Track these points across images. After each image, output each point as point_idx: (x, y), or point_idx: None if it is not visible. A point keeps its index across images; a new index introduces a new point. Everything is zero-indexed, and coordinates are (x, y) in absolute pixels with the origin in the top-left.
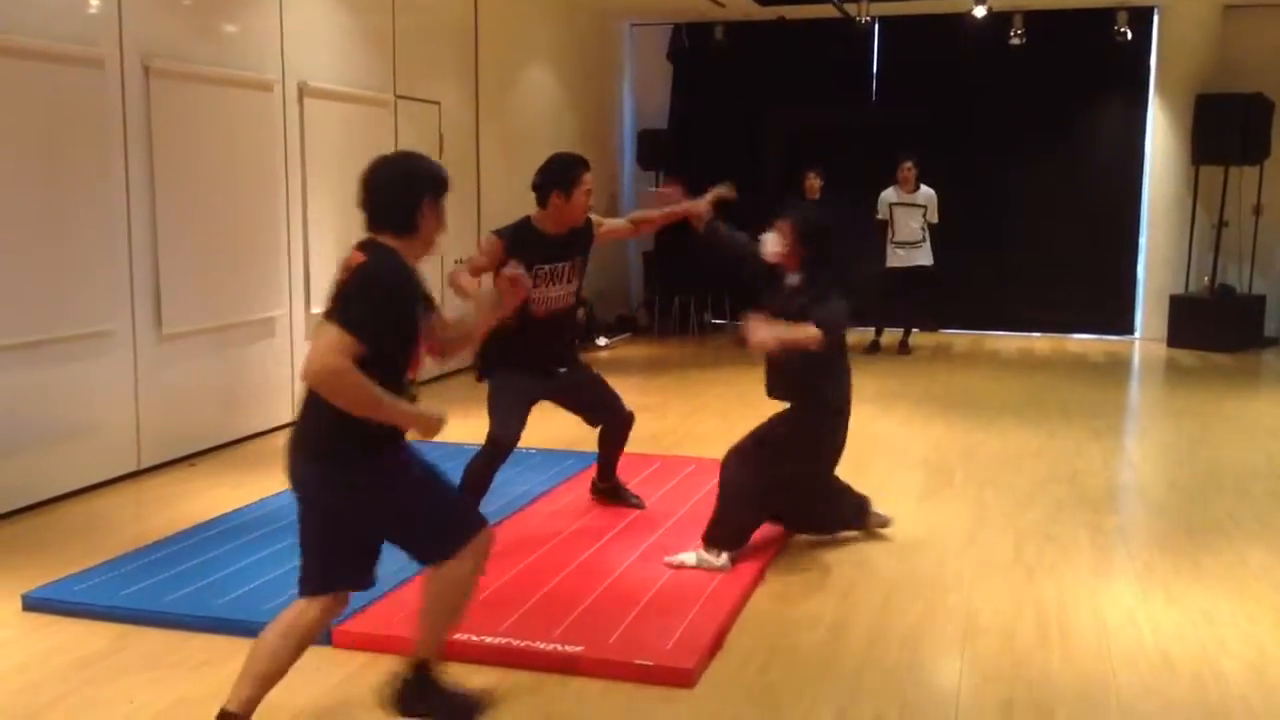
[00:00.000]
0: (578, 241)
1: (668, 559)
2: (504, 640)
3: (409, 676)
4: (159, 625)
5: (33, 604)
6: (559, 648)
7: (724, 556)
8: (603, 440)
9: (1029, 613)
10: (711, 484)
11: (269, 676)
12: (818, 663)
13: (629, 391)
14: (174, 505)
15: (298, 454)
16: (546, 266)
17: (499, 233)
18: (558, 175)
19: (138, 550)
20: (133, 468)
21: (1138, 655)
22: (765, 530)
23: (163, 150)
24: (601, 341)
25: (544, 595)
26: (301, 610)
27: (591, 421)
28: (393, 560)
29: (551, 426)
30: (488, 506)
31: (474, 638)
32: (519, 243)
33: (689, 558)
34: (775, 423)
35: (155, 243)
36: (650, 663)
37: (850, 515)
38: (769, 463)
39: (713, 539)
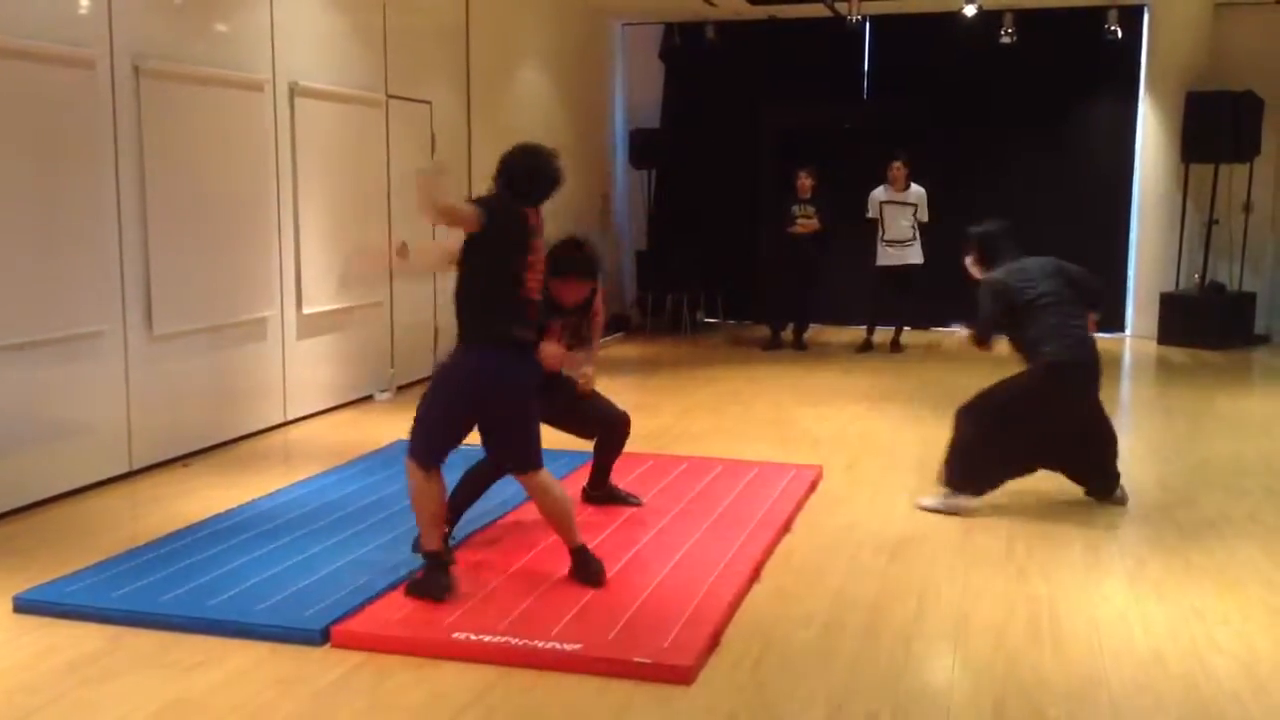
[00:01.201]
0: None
1: (919, 503)
2: (502, 639)
3: (576, 557)
4: (152, 626)
5: (24, 606)
6: (557, 646)
7: (961, 498)
8: (599, 446)
9: (1021, 611)
10: (704, 483)
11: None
12: (812, 660)
13: (623, 390)
14: (167, 506)
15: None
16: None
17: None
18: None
19: (130, 551)
20: (125, 469)
21: (1129, 653)
22: (760, 529)
23: (154, 151)
24: None
25: (541, 594)
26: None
27: (589, 436)
28: (389, 559)
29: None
30: (485, 504)
31: (472, 636)
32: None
33: (933, 501)
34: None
35: (146, 243)
36: (648, 660)
37: (1090, 477)
38: (997, 413)
39: (952, 482)
